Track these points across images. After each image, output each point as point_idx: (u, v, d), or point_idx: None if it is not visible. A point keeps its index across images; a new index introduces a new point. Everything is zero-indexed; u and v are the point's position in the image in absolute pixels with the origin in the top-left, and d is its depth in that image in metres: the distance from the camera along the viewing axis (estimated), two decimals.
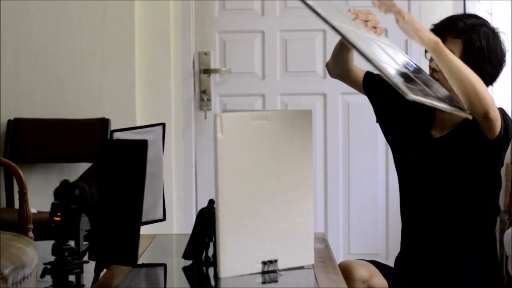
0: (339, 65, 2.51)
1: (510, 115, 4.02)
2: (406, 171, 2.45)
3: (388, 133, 2.52)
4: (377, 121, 2.55)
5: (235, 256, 1.92)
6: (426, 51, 2.34)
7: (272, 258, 1.98)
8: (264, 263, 1.97)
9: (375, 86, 2.50)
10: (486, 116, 2.20)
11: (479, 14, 3.95)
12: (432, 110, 2.38)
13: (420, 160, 2.38)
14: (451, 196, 2.35)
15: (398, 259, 2.52)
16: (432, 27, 2.36)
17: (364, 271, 2.30)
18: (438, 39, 2.20)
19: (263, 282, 1.95)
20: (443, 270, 2.36)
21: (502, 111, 2.30)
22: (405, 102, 2.44)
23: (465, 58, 2.27)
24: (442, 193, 2.35)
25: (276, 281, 1.95)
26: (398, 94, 2.43)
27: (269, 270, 1.97)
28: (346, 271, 2.29)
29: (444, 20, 2.36)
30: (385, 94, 2.47)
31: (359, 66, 2.54)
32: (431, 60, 2.34)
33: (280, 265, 1.99)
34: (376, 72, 2.22)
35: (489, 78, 2.32)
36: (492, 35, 2.30)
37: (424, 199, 2.39)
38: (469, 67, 2.25)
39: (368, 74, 2.53)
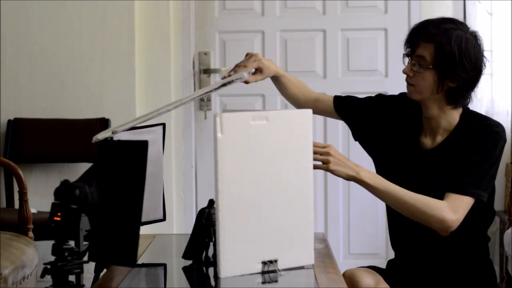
0: (293, 99, 2.60)
1: (510, 115, 4.03)
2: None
3: (370, 149, 2.50)
4: (355, 139, 2.54)
5: (235, 256, 1.92)
6: (403, 56, 2.34)
7: (272, 258, 1.98)
8: (264, 263, 1.97)
9: (347, 107, 2.52)
10: (450, 230, 2.22)
11: (481, 14, 3.98)
12: (419, 115, 2.38)
13: (409, 173, 2.35)
14: None
15: (390, 262, 2.53)
16: (410, 30, 2.34)
17: (370, 279, 2.29)
18: (355, 173, 2.23)
19: (263, 282, 1.95)
20: (435, 274, 2.36)
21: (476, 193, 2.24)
22: (390, 111, 2.44)
23: (436, 63, 2.24)
24: None
25: (276, 281, 1.95)
26: (376, 109, 2.46)
27: (269, 270, 1.97)
28: (352, 280, 2.28)
29: (418, 24, 2.32)
30: (360, 112, 2.49)
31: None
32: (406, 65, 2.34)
33: (280, 265, 1.99)
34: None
35: (464, 83, 2.26)
36: (465, 39, 2.24)
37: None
38: (441, 72, 2.24)
39: (337, 98, 2.56)
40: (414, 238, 2.37)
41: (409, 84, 2.32)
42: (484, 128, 2.28)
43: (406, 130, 2.40)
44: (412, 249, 2.41)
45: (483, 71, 2.29)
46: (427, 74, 2.26)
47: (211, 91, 1.96)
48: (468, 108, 2.35)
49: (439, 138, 2.34)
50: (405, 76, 2.33)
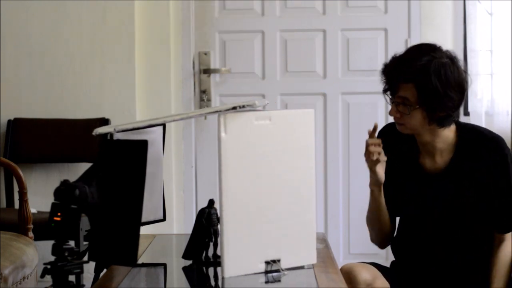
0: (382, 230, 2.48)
1: (510, 115, 4.03)
2: (402, 210, 2.41)
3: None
4: None
5: (239, 256, 1.93)
6: (383, 92, 2.28)
7: (275, 257, 1.98)
8: (267, 262, 1.97)
9: None
10: None
11: (481, 14, 3.97)
12: (412, 140, 2.35)
13: (417, 198, 2.35)
14: (453, 229, 2.32)
15: (393, 263, 2.52)
16: (384, 68, 2.28)
17: (367, 274, 2.29)
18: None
19: (266, 282, 1.95)
20: (436, 275, 2.36)
21: None
22: (384, 147, 2.38)
23: (420, 102, 2.20)
24: (443, 227, 2.33)
25: (279, 280, 1.96)
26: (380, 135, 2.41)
27: (272, 270, 1.97)
28: (349, 274, 2.28)
29: (391, 63, 2.26)
30: None
31: None
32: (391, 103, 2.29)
33: (283, 264, 1.99)
34: None
35: (451, 111, 2.24)
36: (443, 69, 2.18)
37: (422, 233, 2.37)
38: (428, 108, 2.20)
39: None
40: (420, 245, 2.37)
41: (398, 123, 2.29)
42: (495, 151, 2.27)
43: (404, 158, 2.38)
44: (415, 255, 2.40)
45: (466, 91, 2.26)
46: (414, 113, 2.23)
47: (220, 111, 1.96)
48: (460, 122, 2.34)
49: (439, 158, 2.33)
50: None
